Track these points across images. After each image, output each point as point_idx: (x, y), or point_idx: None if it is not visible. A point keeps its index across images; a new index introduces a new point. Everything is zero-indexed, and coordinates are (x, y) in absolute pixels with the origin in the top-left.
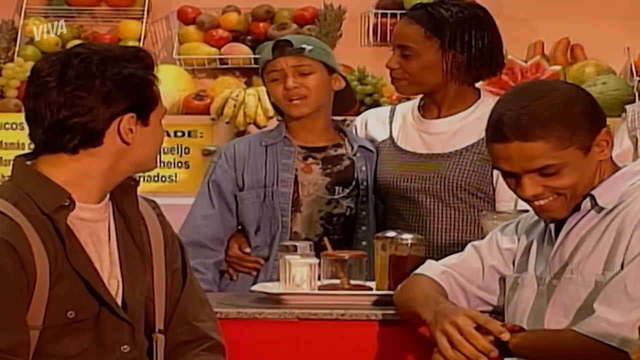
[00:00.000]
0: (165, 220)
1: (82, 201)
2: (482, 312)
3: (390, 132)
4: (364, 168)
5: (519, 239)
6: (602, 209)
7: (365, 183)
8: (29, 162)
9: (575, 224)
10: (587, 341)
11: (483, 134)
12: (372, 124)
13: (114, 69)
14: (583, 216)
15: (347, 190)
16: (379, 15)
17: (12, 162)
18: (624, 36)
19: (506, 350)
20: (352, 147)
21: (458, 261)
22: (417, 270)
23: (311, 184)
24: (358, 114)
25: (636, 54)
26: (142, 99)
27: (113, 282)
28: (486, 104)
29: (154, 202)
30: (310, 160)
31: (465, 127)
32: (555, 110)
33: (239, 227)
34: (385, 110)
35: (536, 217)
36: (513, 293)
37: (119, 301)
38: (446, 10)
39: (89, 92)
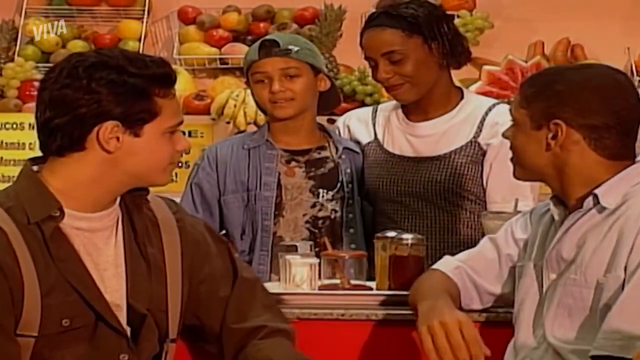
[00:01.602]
0: (185, 226)
1: (78, 210)
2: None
3: (375, 134)
4: (348, 170)
5: (531, 228)
6: (604, 208)
7: (350, 185)
8: (35, 167)
9: (576, 221)
10: None
11: (471, 136)
12: (355, 126)
13: (102, 72)
14: (584, 214)
15: (331, 193)
16: None
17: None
18: (624, 36)
19: None
20: (337, 149)
21: (473, 254)
22: (433, 266)
23: (294, 187)
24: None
25: (636, 53)
26: (130, 108)
27: (116, 293)
28: (469, 103)
29: (175, 204)
30: (293, 163)
31: (452, 129)
32: (561, 80)
33: (224, 232)
34: (366, 111)
35: (545, 208)
36: (519, 282)
37: (124, 312)
38: (408, 9)
39: (73, 94)
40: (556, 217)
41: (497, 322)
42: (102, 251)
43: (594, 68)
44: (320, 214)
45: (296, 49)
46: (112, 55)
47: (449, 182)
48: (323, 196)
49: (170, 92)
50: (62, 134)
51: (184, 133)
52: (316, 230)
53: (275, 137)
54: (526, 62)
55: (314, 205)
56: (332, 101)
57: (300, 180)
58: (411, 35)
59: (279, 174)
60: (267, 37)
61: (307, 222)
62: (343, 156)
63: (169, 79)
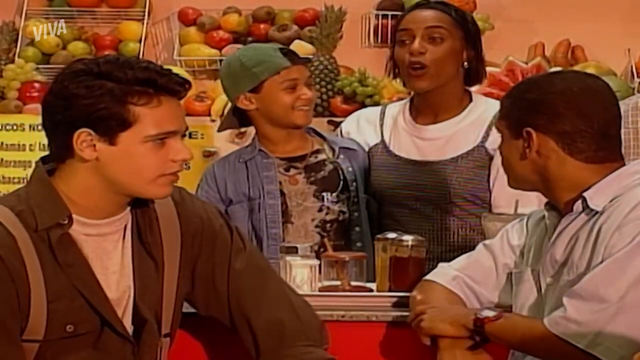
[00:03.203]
0: (187, 218)
1: (86, 217)
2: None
3: (382, 136)
4: (350, 169)
5: (527, 234)
6: (592, 210)
7: (354, 184)
8: (46, 166)
9: (568, 224)
10: (554, 339)
11: (478, 141)
12: (364, 127)
13: (80, 78)
14: (575, 217)
15: (335, 195)
16: (380, 17)
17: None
18: (624, 37)
19: (482, 334)
20: (333, 150)
21: (469, 262)
22: (429, 276)
23: (298, 194)
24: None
25: (637, 55)
26: (100, 116)
27: (122, 295)
28: (478, 107)
29: (179, 193)
30: (292, 170)
31: (459, 132)
32: (533, 87)
33: None
34: (375, 111)
35: (542, 214)
36: (517, 288)
37: (129, 315)
38: (457, 7)
39: (53, 100)
40: (548, 222)
41: None
42: (111, 254)
43: (565, 74)
44: (328, 217)
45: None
46: (102, 61)
47: (456, 187)
48: (328, 199)
49: (152, 99)
50: (50, 140)
51: (184, 135)
52: (325, 234)
53: (268, 147)
54: (526, 63)
55: (320, 210)
56: None
57: (303, 187)
58: (456, 25)
59: (281, 183)
60: (279, 46)
61: (316, 226)
62: (341, 156)
63: (152, 84)
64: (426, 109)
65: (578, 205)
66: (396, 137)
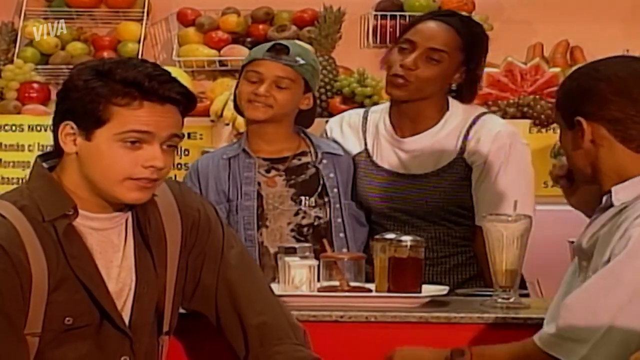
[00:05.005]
0: (187, 210)
1: (91, 211)
2: None
3: (365, 145)
4: (332, 175)
5: None
6: (615, 205)
7: (335, 190)
8: (45, 164)
9: (597, 217)
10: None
11: (456, 153)
12: (347, 133)
13: (83, 72)
14: (605, 210)
15: (313, 200)
16: (379, 17)
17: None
18: (623, 38)
19: None
20: (317, 155)
21: None
22: None
23: (275, 197)
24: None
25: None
26: (80, 110)
27: (123, 289)
28: (454, 116)
29: (178, 186)
30: (273, 172)
31: (438, 144)
32: (582, 74)
33: None
34: (358, 116)
35: None
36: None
37: (128, 308)
38: (476, 26)
39: (61, 90)
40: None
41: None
42: (116, 247)
43: (610, 59)
44: (304, 222)
45: (302, 62)
46: (109, 61)
47: (441, 200)
48: (305, 203)
49: (135, 101)
50: (53, 131)
51: (183, 136)
52: (302, 239)
53: (252, 146)
54: (525, 64)
55: (296, 214)
56: (305, 121)
57: (281, 189)
58: (461, 50)
59: (259, 184)
60: (282, 41)
61: (292, 230)
62: (324, 161)
63: (138, 86)
64: (402, 119)
65: (607, 198)
66: (378, 146)
